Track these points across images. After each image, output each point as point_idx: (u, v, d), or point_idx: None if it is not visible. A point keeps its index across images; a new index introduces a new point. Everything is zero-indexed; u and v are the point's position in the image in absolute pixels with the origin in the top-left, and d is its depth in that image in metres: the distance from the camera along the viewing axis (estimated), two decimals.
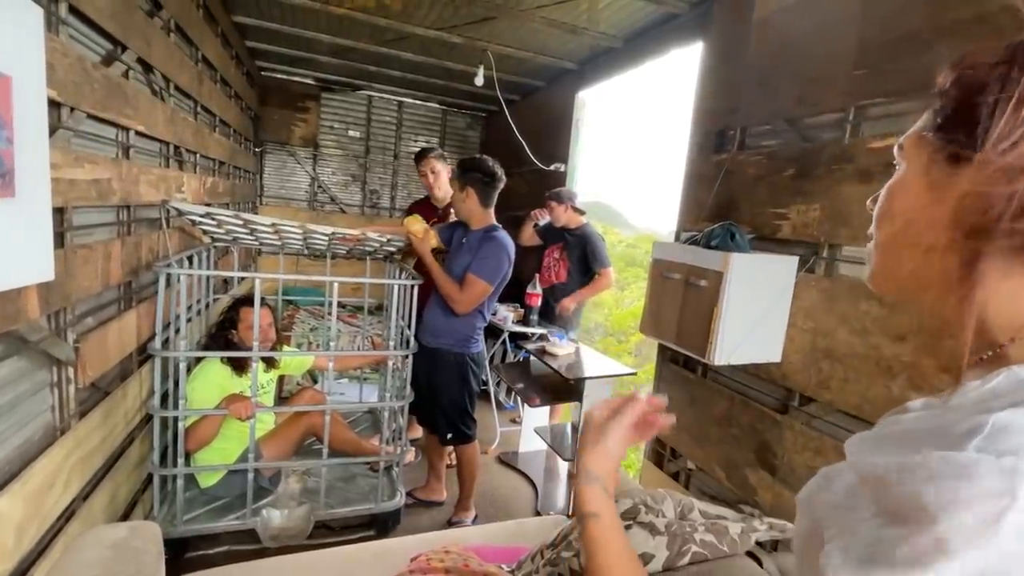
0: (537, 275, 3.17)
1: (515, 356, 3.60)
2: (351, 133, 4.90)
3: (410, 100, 4.99)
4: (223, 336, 2.11)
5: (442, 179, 2.79)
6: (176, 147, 2.24)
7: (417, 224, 2.18)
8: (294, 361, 2.40)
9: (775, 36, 1.96)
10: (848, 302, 1.62)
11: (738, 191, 2.07)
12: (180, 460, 1.87)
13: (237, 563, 1.44)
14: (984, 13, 1.32)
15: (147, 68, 1.88)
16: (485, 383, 3.49)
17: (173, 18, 2.07)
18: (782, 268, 1.79)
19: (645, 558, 0.97)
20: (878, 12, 1.58)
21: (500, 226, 2.23)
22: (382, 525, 2.20)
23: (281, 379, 2.90)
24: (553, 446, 2.73)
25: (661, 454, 2.48)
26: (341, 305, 4.50)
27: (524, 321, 3.17)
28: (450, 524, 2.33)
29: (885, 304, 1.52)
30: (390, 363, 2.12)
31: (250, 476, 1.96)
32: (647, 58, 2.76)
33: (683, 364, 2.37)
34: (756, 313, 1.77)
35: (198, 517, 2.01)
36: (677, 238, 2.36)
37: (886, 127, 1.58)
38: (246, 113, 3.92)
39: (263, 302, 2.24)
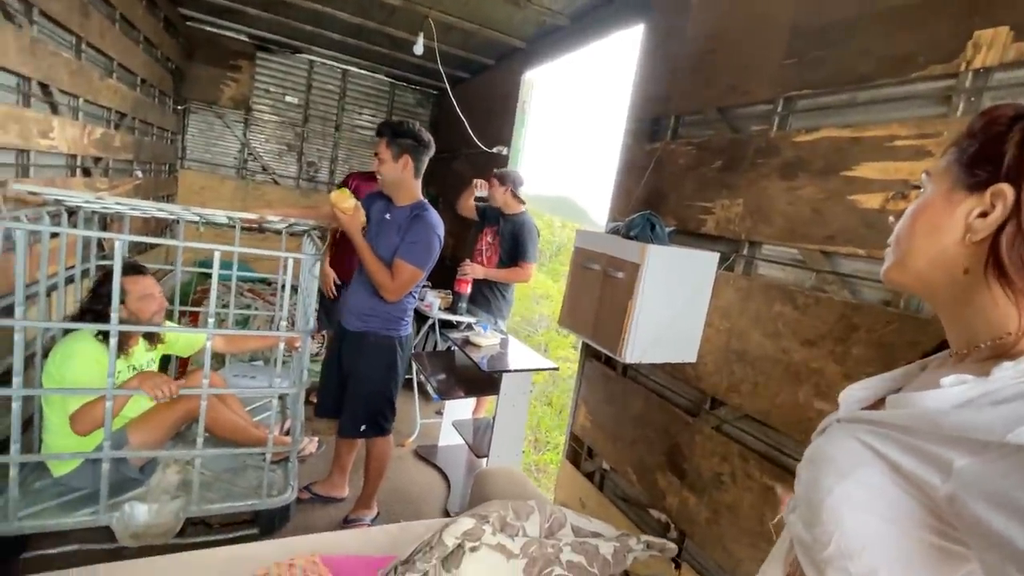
0: (467, 260, 3.00)
1: (445, 345, 3.44)
2: (288, 99, 4.56)
3: (356, 69, 4.69)
4: (96, 312, 1.82)
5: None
6: (44, 85, 1.93)
7: (347, 200, 1.89)
8: (181, 340, 2.15)
9: (712, 19, 1.85)
10: (763, 303, 1.55)
11: (667, 182, 1.97)
12: (15, 447, 1.61)
13: (78, 567, 1.23)
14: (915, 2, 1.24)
15: None
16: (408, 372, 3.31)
17: None
18: (702, 264, 1.70)
19: None
20: None
21: (427, 202, 2.03)
22: (267, 523, 2.00)
23: (175, 359, 2.63)
24: (470, 441, 2.59)
25: (578, 452, 2.39)
26: (266, 282, 4.21)
27: (452, 308, 3.00)
28: (346, 522, 2.15)
29: (798, 307, 1.45)
30: (281, 346, 1.91)
31: (105, 466, 1.71)
32: (592, 39, 2.63)
33: (605, 361, 2.27)
34: (673, 310, 1.68)
35: (44, 511, 1.75)
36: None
37: (812, 121, 1.50)
38: (163, 64, 3.54)
39: (142, 269, 1.99)
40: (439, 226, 1.96)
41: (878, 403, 0.58)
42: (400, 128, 1.92)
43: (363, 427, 2.07)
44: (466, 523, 0.81)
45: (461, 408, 3.02)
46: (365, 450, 2.18)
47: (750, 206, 1.61)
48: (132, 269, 1.86)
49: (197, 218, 2.18)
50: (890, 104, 1.31)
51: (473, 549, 0.81)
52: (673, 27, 2.03)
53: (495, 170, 3.01)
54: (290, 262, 1.83)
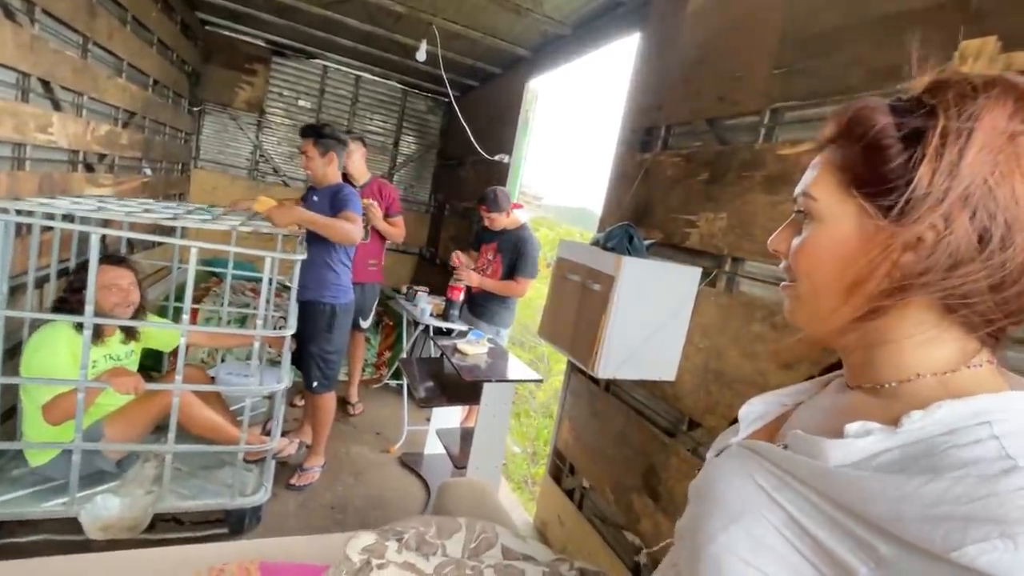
0: (461, 264, 2.97)
1: (439, 353, 3.40)
2: (301, 103, 4.63)
3: (368, 76, 4.75)
4: (69, 303, 1.85)
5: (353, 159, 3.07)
6: (45, 82, 1.98)
7: (268, 202, 2.19)
8: (161, 335, 2.16)
9: (705, 28, 1.81)
10: (742, 321, 1.48)
11: (655, 193, 1.92)
12: None
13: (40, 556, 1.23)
14: (912, 9, 1.18)
15: None
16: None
17: None
18: (683, 279, 1.64)
19: None
20: (803, 3, 1.44)
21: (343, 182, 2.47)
22: (237, 523, 1.99)
23: (167, 357, 2.66)
24: (452, 451, 2.55)
25: (560, 468, 2.32)
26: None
27: (444, 315, 2.97)
28: (301, 470, 2.44)
29: (777, 327, 1.37)
30: (256, 344, 1.90)
31: (75, 458, 1.72)
32: (593, 47, 2.60)
33: (589, 376, 2.20)
34: (650, 325, 1.62)
35: (17, 499, 1.77)
36: None
37: (798, 133, 1.44)
38: (178, 66, 3.64)
39: (122, 260, 2.02)
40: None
41: (780, 419, 0.52)
42: (326, 131, 2.39)
43: (314, 383, 2.38)
44: (367, 538, 0.76)
45: (450, 416, 2.98)
46: (312, 406, 2.46)
47: (733, 220, 1.55)
48: (106, 260, 1.87)
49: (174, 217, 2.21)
50: None
51: (380, 566, 0.77)
52: (667, 36, 1.99)
53: (483, 201, 2.82)
54: (268, 261, 1.83)
